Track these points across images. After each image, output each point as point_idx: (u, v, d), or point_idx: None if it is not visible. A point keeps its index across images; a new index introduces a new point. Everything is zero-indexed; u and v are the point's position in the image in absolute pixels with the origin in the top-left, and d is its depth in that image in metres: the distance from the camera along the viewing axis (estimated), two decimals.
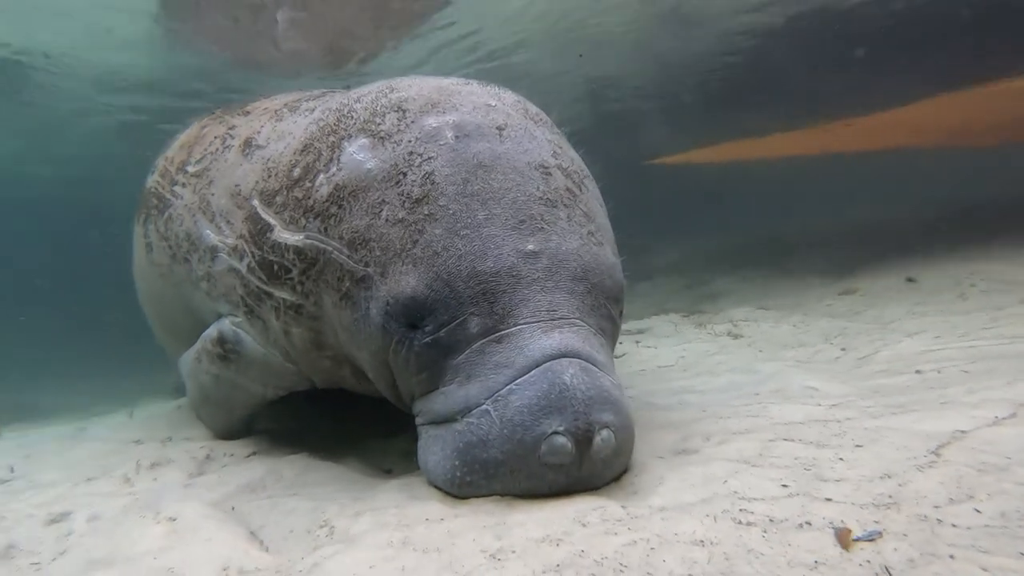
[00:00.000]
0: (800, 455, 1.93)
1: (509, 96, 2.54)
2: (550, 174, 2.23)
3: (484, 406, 1.87)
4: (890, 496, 1.57)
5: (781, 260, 9.14)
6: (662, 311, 6.96)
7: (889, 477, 1.68)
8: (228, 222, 2.83)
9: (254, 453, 2.98)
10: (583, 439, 1.78)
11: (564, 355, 1.89)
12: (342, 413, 3.61)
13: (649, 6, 7.99)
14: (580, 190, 2.31)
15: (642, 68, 10.35)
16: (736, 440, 2.16)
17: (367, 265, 2.14)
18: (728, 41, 9.27)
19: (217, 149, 3.17)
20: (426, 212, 2.08)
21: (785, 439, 2.09)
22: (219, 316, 2.93)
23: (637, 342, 5.24)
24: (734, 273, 9.19)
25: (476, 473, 1.86)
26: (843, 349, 3.99)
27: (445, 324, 2.00)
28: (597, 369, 1.92)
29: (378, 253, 2.12)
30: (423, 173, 2.15)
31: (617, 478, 1.93)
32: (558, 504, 1.74)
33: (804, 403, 2.57)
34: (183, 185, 3.24)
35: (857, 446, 1.94)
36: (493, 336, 1.95)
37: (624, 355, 4.70)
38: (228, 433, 3.30)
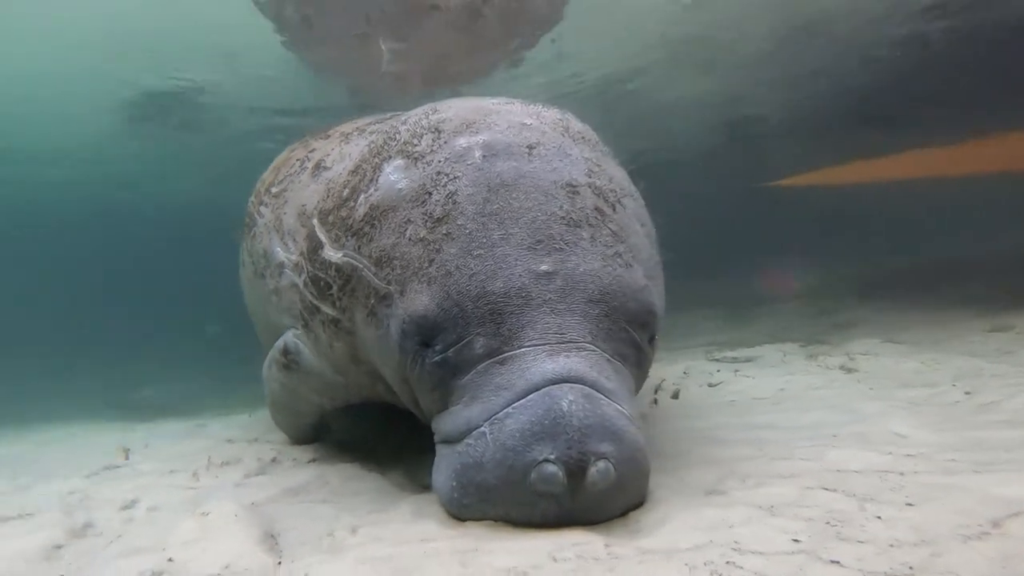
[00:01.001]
0: (834, 508, 1.73)
1: (551, 114, 2.51)
2: (578, 193, 2.17)
3: (482, 428, 1.84)
4: (911, 567, 1.36)
5: (922, 290, 8.30)
6: (776, 339, 6.52)
7: (925, 544, 1.46)
8: (294, 240, 3.00)
9: (314, 459, 3.11)
10: (575, 469, 1.69)
11: (566, 380, 1.82)
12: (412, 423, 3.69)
13: (781, 19, 7.59)
14: (613, 209, 2.22)
15: (773, 87, 9.85)
16: (773, 484, 1.97)
17: (389, 283, 2.18)
18: (867, 55, 8.62)
19: (295, 171, 3.38)
20: (444, 232, 2.09)
21: (827, 488, 1.88)
22: (286, 329, 3.10)
23: (736, 371, 4.94)
24: (866, 303, 8.44)
25: (472, 496, 1.83)
26: (967, 393, 3.53)
27: (453, 344, 1.98)
28: (602, 396, 1.82)
29: (399, 271, 2.15)
30: (447, 193, 2.16)
31: (624, 513, 1.82)
32: (541, 536, 1.66)
33: (876, 450, 2.30)
34: (266, 205, 3.48)
35: (908, 504, 1.71)
36: (497, 358, 1.92)
37: (719, 384, 4.45)
38: (297, 438, 3.47)
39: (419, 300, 2.05)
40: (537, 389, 1.81)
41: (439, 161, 2.27)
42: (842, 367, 4.70)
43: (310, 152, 3.48)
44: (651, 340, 2.19)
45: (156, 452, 3.92)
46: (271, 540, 1.98)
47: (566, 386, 1.80)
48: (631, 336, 2.06)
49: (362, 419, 3.78)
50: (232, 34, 6.67)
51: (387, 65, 6.05)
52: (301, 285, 2.79)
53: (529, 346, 1.90)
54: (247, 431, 4.31)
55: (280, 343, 3.13)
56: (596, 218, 2.15)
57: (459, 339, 1.97)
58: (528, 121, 2.39)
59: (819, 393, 3.80)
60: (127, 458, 3.77)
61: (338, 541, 1.84)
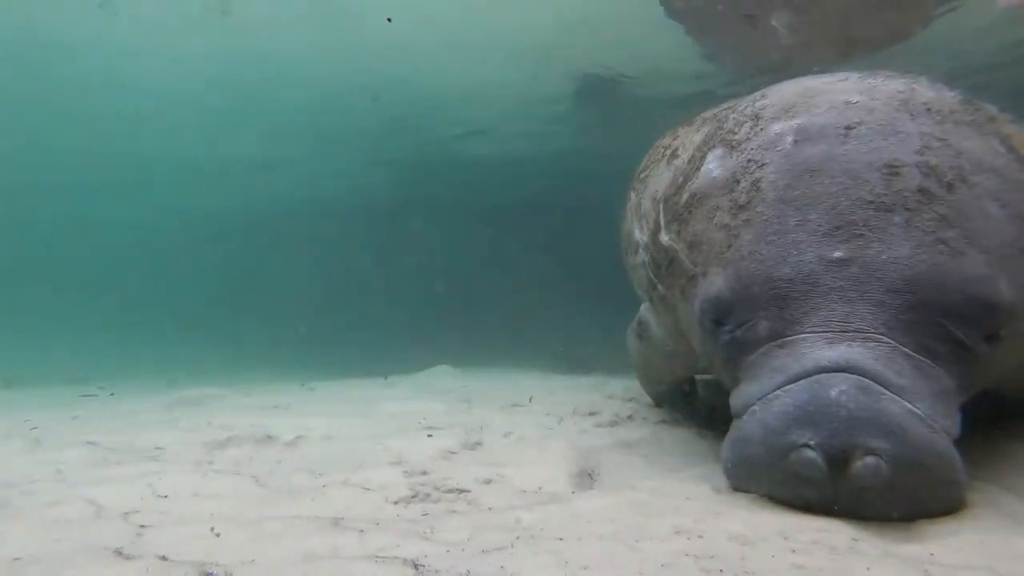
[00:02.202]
0: None
1: (890, 87, 2.31)
2: (898, 174, 2.01)
3: (755, 406, 1.92)
4: None
5: None
6: None
7: None
8: (647, 222, 3.34)
9: (663, 421, 3.45)
10: (836, 458, 1.68)
11: (842, 369, 1.78)
12: None
13: None
14: (948, 190, 1.99)
15: None
16: None
17: (696, 265, 2.36)
18: None
19: (657, 158, 3.69)
20: (745, 218, 2.18)
21: None
22: (642, 302, 3.48)
23: None
24: None
25: (741, 469, 1.94)
26: None
27: (741, 324, 2.08)
28: (883, 391, 1.73)
29: (704, 255, 2.31)
30: (753, 180, 2.23)
31: (911, 519, 1.71)
32: (790, 515, 1.71)
33: None
34: (634, 189, 3.88)
35: None
36: (778, 341, 1.96)
37: None
38: (656, 399, 3.85)
39: (716, 282, 2.19)
40: (809, 375, 1.82)
41: (752, 148, 2.34)
42: None
43: (673, 140, 3.75)
44: (990, 338, 1.91)
45: (553, 398, 4.75)
46: (586, 476, 2.40)
47: (840, 375, 1.77)
48: (947, 331, 1.86)
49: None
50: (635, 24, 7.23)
51: (785, 39, 5.82)
52: (648, 263, 3.12)
53: (810, 332, 1.90)
54: (630, 391, 4.86)
55: (637, 315, 3.53)
56: (918, 201, 1.96)
57: (746, 320, 2.07)
58: (855, 99, 2.26)
59: None
60: (530, 400, 4.67)
61: (619, 483, 2.16)
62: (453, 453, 2.91)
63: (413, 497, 2.21)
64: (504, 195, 17.66)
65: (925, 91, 2.30)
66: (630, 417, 3.59)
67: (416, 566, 1.51)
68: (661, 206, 3.03)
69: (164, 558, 1.62)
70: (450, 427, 3.53)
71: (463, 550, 1.61)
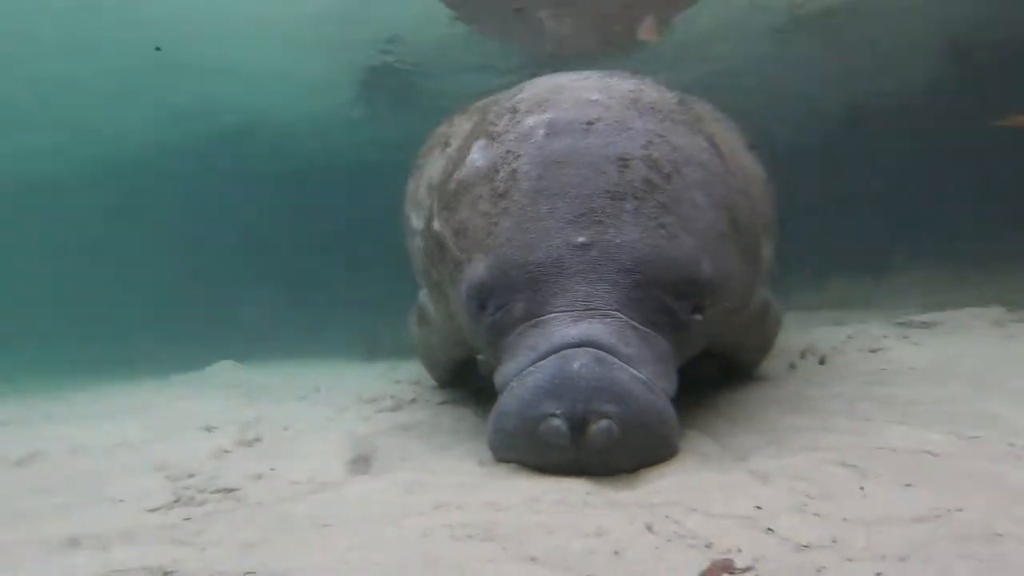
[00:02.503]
0: (827, 483, 1.72)
1: (623, 86, 2.58)
2: (628, 166, 2.27)
3: (512, 382, 2.08)
4: (833, 542, 1.38)
5: None
6: (987, 303, 5.70)
7: (874, 525, 1.45)
8: (423, 209, 3.41)
9: (444, 402, 3.58)
10: (578, 425, 1.88)
11: (582, 344, 1.99)
12: None
13: None
14: (667, 180, 2.28)
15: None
16: (795, 455, 1.98)
17: (462, 252, 2.48)
18: None
19: (433, 145, 3.79)
20: (503, 207, 2.33)
21: (842, 463, 1.85)
22: (421, 287, 3.57)
23: (905, 336, 4.51)
24: None
25: (499, 440, 2.10)
26: None
27: (500, 307, 2.24)
28: (615, 361, 1.97)
29: (468, 242, 2.43)
30: (510, 170, 2.39)
31: (635, 471, 1.96)
32: (540, 480, 1.90)
33: (946, 430, 2.14)
34: (412, 175, 3.95)
35: (907, 485, 1.65)
36: (531, 321, 2.14)
37: (879, 351, 4.13)
38: (440, 382, 3.97)
39: (478, 268, 2.32)
40: (556, 351, 2.01)
41: (510, 140, 2.49)
42: None
43: (449, 128, 3.86)
44: (697, 309, 2.24)
45: (341, 387, 4.70)
46: (362, 462, 2.44)
47: (581, 350, 1.98)
48: (666, 305, 2.15)
49: None
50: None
51: (551, 31, 6.23)
52: (423, 250, 3.20)
53: (557, 312, 2.10)
54: (416, 375, 4.95)
55: (417, 301, 3.61)
56: (644, 190, 2.23)
57: (504, 303, 2.23)
58: (595, 97, 2.50)
59: (977, 364, 3.40)
60: (318, 390, 4.59)
61: (393, 466, 2.23)
62: (227, 452, 2.79)
63: (175, 502, 2.10)
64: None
65: (651, 92, 2.61)
66: (413, 400, 3.68)
67: (168, 573, 1.45)
68: (435, 193, 3.12)
69: None
70: (228, 424, 3.37)
71: (222, 550, 1.58)
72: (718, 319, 2.48)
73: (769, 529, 1.47)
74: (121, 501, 2.11)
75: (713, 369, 3.39)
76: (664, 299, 2.15)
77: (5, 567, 1.55)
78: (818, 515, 1.52)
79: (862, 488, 1.66)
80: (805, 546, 1.39)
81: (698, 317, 2.26)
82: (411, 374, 4.93)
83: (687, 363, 2.43)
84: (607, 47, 7.06)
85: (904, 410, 2.50)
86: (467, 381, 3.94)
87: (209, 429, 3.31)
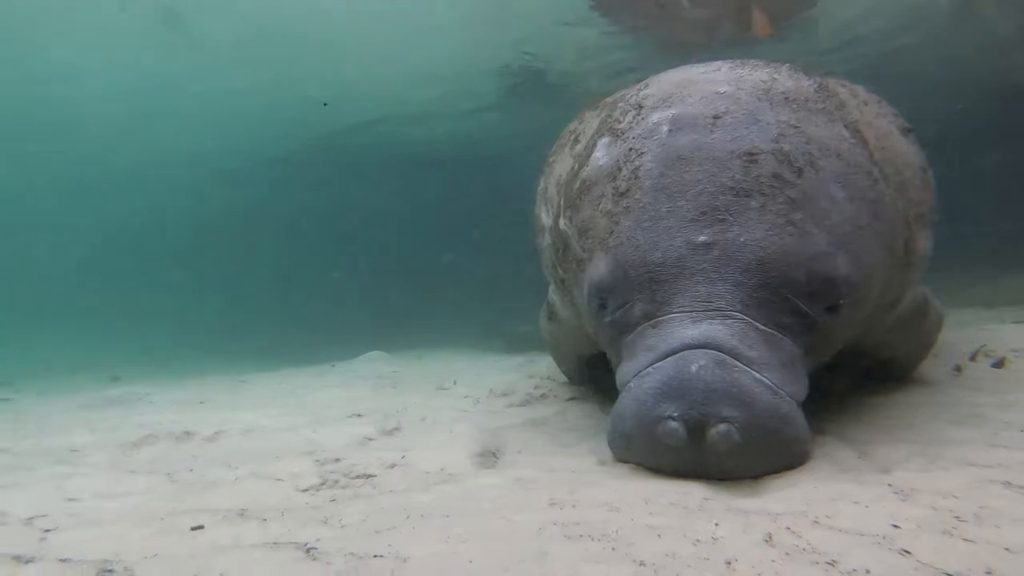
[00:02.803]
0: (990, 507, 1.57)
1: (755, 76, 2.48)
2: (755, 161, 2.18)
3: (631, 383, 2.09)
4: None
5: None
6: None
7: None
8: (552, 206, 3.46)
9: (573, 398, 3.62)
10: (695, 427, 1.85)
11: (702, 346, 1.95)
12: None
13: None
14: (799, 175, 2.17)
15: None
16: (948, 471, 1.81)
17: (584, 251, 2.50)
18: None
19: (563, 143, 3.81)
20: (625, 205, 2.32)
21: (1010, 485, 1.68)
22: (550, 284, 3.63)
23: None
24: None
25: (618, 440, 2.11)
26: None
27: (620, 307, 2.24)
28: (737, 363, 1.91)
29: (591, 241, 2.45)
30: (633, 168, 2.37)
31: (758, 477, 1.90)
32: (658, 481, 1.88)
33: None
34: (543, 173, 4.00)
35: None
36: (651, 321, 2.13)
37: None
38: (570, 378, 4.02)
39: (599, 267, 2.34)
40: (675, 352, 1.99)
41: (633, 137, 2.48)
42: None
43: (579, 124, 3.88)
44: (832, 310, 2.11)
45: (478, 380, 4.88)
46: (489, 456, 2.54)
47: (700, 352, 1.94)
48: (794, 305, 2.05)
49: None
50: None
51: (694, 19, 6.02)
52: (551, 247, 3.26)
53: (677, 312, 2.07)
54: (551, 370, 5.03)
55: (547, 297, 3.67)
56: (772, 186, 2.14)
57: (624, 302, 2.23)
58: (723, 89, 2.42)
59: None
60: (456, 383, 4.80)
61: (516, 461, 2.31)
62: (370, 439, 3.01)
63: (322, 484, 2.30)
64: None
65: (785, 81, 2.48)
66: (543, 396, 3.75)
67: (308, 550, 1.62)
68: (562, 191, 3.16)
69: (65, 560, 1.68)
70: (372, 413, 3.63)
71: (356, 532, 1.73)
72: (861, 318, 2.32)
73: (905, 551, 1.38)
74: (279, 480, 2.36)
75: (858, 371, 3.16)
76: (793, 299, 2.05)
77: (184, 531, 1.80)
78: (969, 541, 1.40)
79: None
80: (949, 575, 1.28)
81: (833, 318, 2.13)
82: (545, 369, 5.02)
83: (830, 364, 2.30)
84: (747, 31, 6.72)
85: None
86: (596, 377, 3.96)
87: (357, 416, 3.58)
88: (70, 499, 2.26)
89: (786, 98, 2.39)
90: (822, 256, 2.08)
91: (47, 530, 1.94)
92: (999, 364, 3.43)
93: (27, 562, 1.68)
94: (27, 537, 1.89)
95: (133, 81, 11.51)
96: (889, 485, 1.74)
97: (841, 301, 2.13)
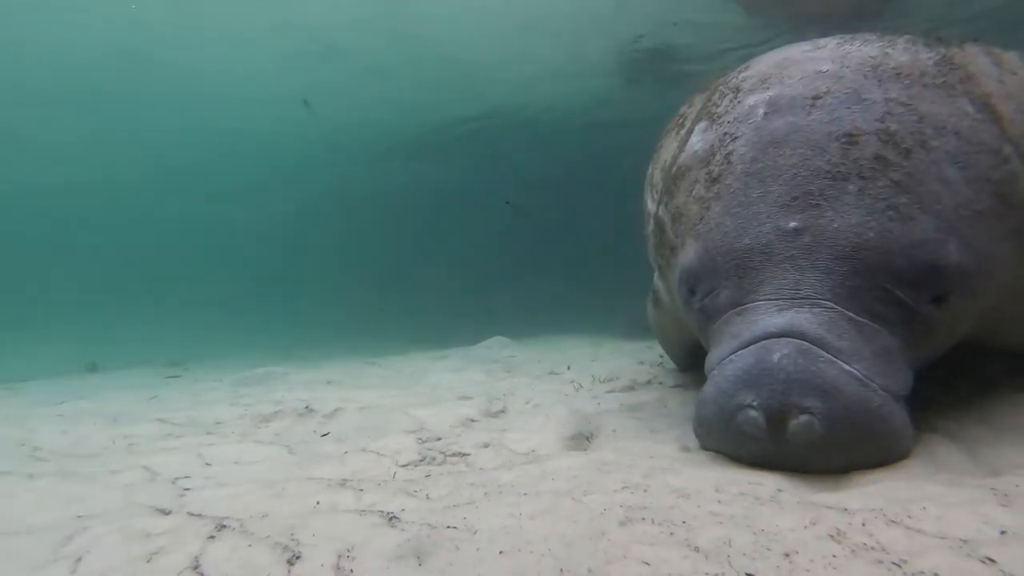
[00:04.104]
0: None
1: (864, 52, 2.33)
2: (856, 143, 2.07)
3: (715, 370, 2.06)
4: None
5: None
6: None
7: None
8: (656, 192, 3.43)
9: (678, 385, 3.58)
10: (775, 417, 1.81)
11: (786, 335, 1.89)
12: None
13: None
14: (905, 156, 2.03)
15: None
16: None
17: (677, 237, 2.48)
18: None
19: (671, 127, 3.75)
20: (716, 191, 2.28)
21: None
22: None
23: None
24: None
25: (701, 427, 2.09)
26: None
27: (708, 293, 2.21)
28: (822, 353, 1.83)
29: (683, 227, 2.43)
30: (726, 153, 2.32)
31: (846, 472, 1.82)
32: (733, 470, 1.86)
33: None
34: (651, 160, 3.96)
35: None
36: (737, 308, 2.08)
37: None
38: (677, 364, 3.96)
39: (688, 254, 2.32)
40: (758, 340, 1.94)
41: (728, 121, 2.42)
42: None
43: (688, 108, 3.80)
44: (940, 299, 1.96)
45: (593, 365, 4.92)
46: (583, 439, 2.59)
47: (784, 340, 1.88)
48: (892, 294, 1.93)
49: None
50: None
51: None
52: (653, 233, 3.24)
53: (763, 300, 2.01)
54: (664, 355, 4.97)
55: (652, 284, 3.65)
56: (874, 169, 2.02)
57: (712, 289, 2.20)
58: (825, 68, 2.30)
59: None
60: (569, 368, 4.87)
61: (603, 444, 2.34)
62: (473, 421, 3.16)
63: (420, 461, 2.46)
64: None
65: (898, 55, 2.31)
66: (648, 382, 3.74)
67: (391, 518, 1.76)
68: (664, 177, 3.13)
69: (194, 514, 1.94)
70: (480, 396, 3.78)
71: (438, 504, 1.85)
72: (982, 310, 2.14)
73: (989, 559, 1.29)
74: (381, 455, 2.55)
75: (996, 367, 2.88)
76: (891, 288, 1.93)
77: (306, 495, 2.00)
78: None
79: None
80: None
81: (941, 309, 1.98)
82: (657, 356, 4.97)
83: (963, 358, 2.14)
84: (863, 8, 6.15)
85: None
86: (702, 364, 3.88)
87: (465, 399, 3.75)
88: (207, 464, 2.57)
89: (898, 73, 2.23)
90: (929, 242, 1.93)
91: (186, 489, 2.24)
92: None
93: (166, 514, 1.96)
94: (170, 494, 2.19)
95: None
96: (992, 489, 1.61)
97: (951, 290, 1.97)
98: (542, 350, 6.91)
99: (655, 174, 3.61)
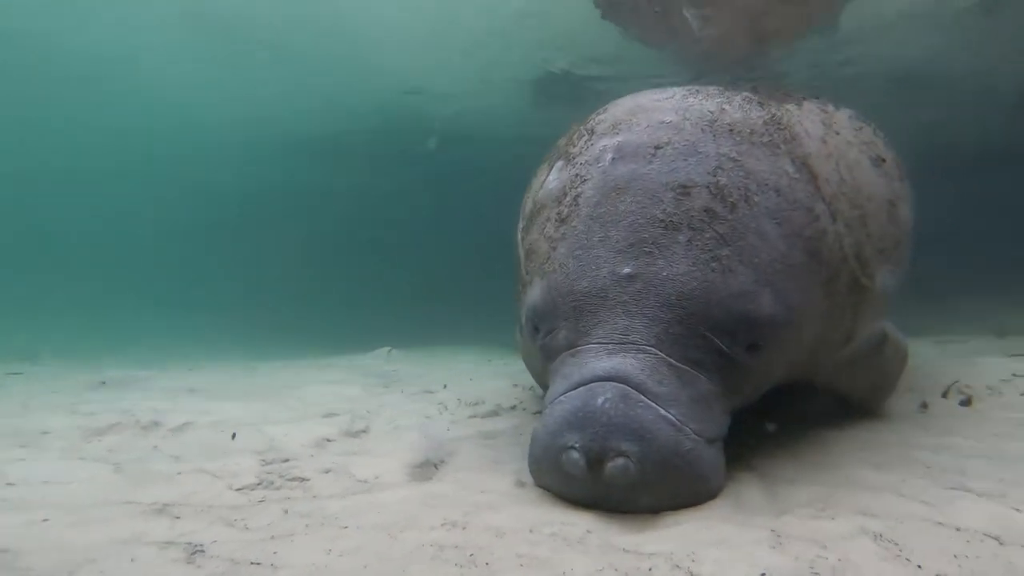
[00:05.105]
0: (853, 560, 1.56)
1: (703, 106, 2.47)
2: (688, 194, 2.19)
3: (547, 409, 2.12)
4: None
5: None
6: None
7: None
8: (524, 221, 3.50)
9: (539, 412, 3.64)
10: (594, 459, 1.88)
11: (611, 379, 1.97)
12: None
13: None
14: (732, 210, 2.17)
15: None
16: (836, 519, 1.81)
17: (527, 273, 2.54)
18: None
19: (546, 158, 3.84)
20: (563, 232, 2.35)
21: (880, 539, 1.66)
22: None
23: (1014, 375, 3.87)
24: None
25: (533, 464, 2.15)
26: None
27: (549, 332, 2.27)
28: (641, 398, 1.92)
29: (533, 264, 2.49)
30: (575, 195, 2.40)
31: (657, 512, 1.91)
32: (555, 509, 1.92)
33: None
34: (528, 186, 4.04)
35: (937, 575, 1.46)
36: (572, 350, 2.15)
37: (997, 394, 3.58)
38: (543, 389, 4.04)
39: (535, 292, 2.38)
40: (586, 383, 2.01)
41: (581, 163, 2.50)
42: None
43: (564, 140, 3.90)
44: (754, 348, 2.11)
45: (464, 387, 4.94)
46: (430, 467, 2.59)
47: (609, 384, 1.96)
48: (712, 343, 2.05)
49: None
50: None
51: (699, 31, 5.95)
52: (515, 263, 3.30)
53: (595, 343, 2.09)
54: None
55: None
56: (702, 220, 2.14)
57: (552, 329, 2.26)
58: (669, 118, 2.43)
59: None
60: (444, 387, 4.87)
61: (444, 476, 2.36)
62: (329, 441, 3.10)
63: (257, 485, 2.39)
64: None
65: (733, 111, 2.47)
66: (513, 407, 3.79)
67: (194, 552, 1.70)
68: (528, 210, 3.20)
69: None
70: (346, 414, 3.72)
71: (253, 536, 1.81)
72: (793, 357, 2.31)
73: None
74: (217, 477, 2.46)
75: (831, 405, 3.11)
76: (710, 336, 2.05)
77: (116, 522, 1.89)
78: None
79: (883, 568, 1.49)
80: None
81: (755, 357, 2.12)
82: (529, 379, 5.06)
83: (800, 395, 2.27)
84: (761, 47, 6.59)
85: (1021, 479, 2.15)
86: None
87: (330, 416, 3.68)
88: (9, 483, 2.38)
89: (731, 130, 2.38)
90: (744, 294, 2.07)
91: None
92: (967, 403, 3.34)
93: None
94: None
95: None
96: (772, 531, 1.74)
97: (765, 340, 2.12)
98: (428, 364, 6.88)
99: (526, 204, 3.68)
